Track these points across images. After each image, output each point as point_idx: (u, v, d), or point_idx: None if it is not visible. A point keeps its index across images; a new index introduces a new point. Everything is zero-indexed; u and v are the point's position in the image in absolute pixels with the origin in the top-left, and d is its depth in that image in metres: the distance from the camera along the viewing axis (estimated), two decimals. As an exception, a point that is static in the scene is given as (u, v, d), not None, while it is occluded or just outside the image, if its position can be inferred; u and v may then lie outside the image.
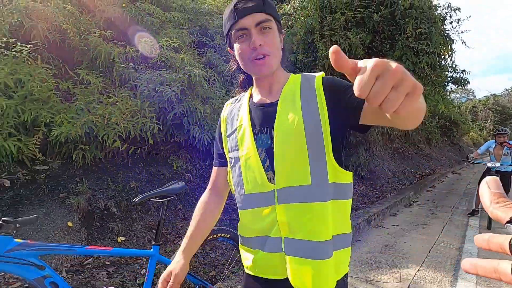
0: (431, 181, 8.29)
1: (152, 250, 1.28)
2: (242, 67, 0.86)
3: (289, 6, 8.08)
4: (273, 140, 0.81)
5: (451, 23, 5.76)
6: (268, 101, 0.86)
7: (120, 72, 3.48)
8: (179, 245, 0.97)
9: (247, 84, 0.97)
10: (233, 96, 1.02)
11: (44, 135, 2.78)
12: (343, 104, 0.77)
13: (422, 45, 5.02)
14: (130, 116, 3.08)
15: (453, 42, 5.39)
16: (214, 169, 1.01)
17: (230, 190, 0.99)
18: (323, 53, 5.18)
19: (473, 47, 6.14)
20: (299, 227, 0.79)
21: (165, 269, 0.93)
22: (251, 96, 0.93)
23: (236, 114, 0.92)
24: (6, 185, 2.63)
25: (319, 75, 0.86)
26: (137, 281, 2.23)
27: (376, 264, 2.86)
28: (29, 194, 2.64)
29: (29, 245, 0.95)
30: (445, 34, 5.28)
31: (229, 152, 0.92)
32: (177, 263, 0.90)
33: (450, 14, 5.71)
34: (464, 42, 5.79)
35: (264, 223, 0.84)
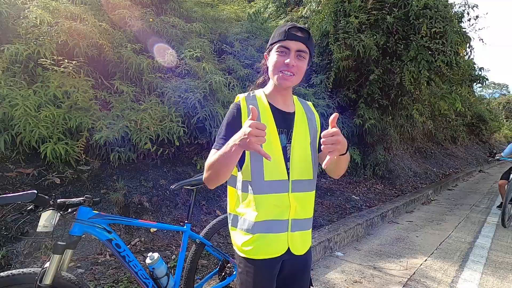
0: (454, 180, 8.15)
1: (185, 227, 1.62)
2: (270, 72, 1.07)
3: (305, 9, 8.29)
4: (289, 141, 1.07)
5: (468, 20, 5.74)
6: (286, 110, 1.10)
7: (149, 81, 3.86)
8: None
9: (262, 86, 1.17)
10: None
11: (87, 139, 3.20)
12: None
13: (437, 44, 5.06)
14: (159, 121, 3.44)
15: (470, 40, 5.36)
16: None
17: (237, 178, 1.09)
18: (337, 56, 5.35)
19: (490, 44, 6.02)
20: (302, 209, 1.09)
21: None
22: (266, 98, 1.11)
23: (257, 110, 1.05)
24: (57, 182, 3.06)
25: (310, 103, 1.24)
26: (169, 264, 2.56)
27: (385, 255, 3.03)
28: (75, 190, 3.06)
29: (102, 215, 1.33)
30: (462, 32, 5.27)
31: None
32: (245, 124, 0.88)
33: (468, 12, 5.69)
34: (482, 39, 5.73)
35: (279, 207, 1.04)
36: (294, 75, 1.03)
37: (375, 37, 5.33)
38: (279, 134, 1.06)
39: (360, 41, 5.22)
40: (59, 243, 1.25)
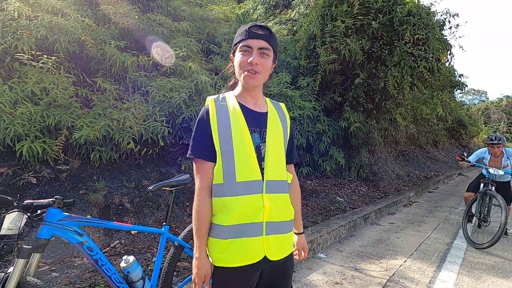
0: (435, 183, 8.38)
1: (163, 229, 1.57)
2: (236, 73, 1.07)
3: (294, 12, 8.36)
4: (263, 141, 1.05)
5: (450, 28, 5.93)
6: (258, 110, 1.08)
7: (133, 80, 3.79)
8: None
9: (233, 88, 1.16)
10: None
11: (66, 138, 3.10)
12: (287, 147, 1.16)
13: (420, 50, 5.20)
14: (143, 120, 3.37)
15: (451, 47, 5.54)
16: (207, 163, 1.02)
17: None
18: (324, 59, 5.41)
19: (469, 52, 6.25)
20: (277, 211, 1.05)
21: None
22: (235, 99, 1.09)
23: (226, 110, 1.04)
24: (33, 182, 2.95)
25: (283, 104, 1.22)
26: (149, 267, 2.51)
27: (367, 256, 3.08)
28: (53, 190, 2.95)
29: (73, 217, 1.27)
30: (443, 40, 5.44)
31: (220, 145, 1.01)
32: (206, 266, 1.00)
33: (449, 20, 5.88)
34: (462, 47, 5.94)
35: (252, 209, 1.00)
36: (259, 73, 1.02)
37: (360, 41, 5.43)
38: (251, 133, 1.04)
39: (346, 45, 5.31)
40: (24, 246, 1.19)
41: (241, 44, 1.03)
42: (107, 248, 2.72)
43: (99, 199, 2.98)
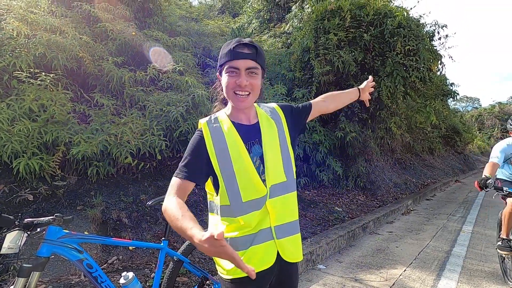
0: (432, 190, 8.42)
1: (162, 244, 1.58)
2: (224, 94, 1.04)
3: (288, 25, 8.56)
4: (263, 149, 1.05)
5: (439, 39, 6.10)
6: (250, 123, 1.08)
7: (130, 95, 3.82)
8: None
9: (225, 102, 1.12)
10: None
11: (63, 154, 3.10)
12: (295, 113, 1.20)
13: (411, 61, 5.33)
14: (140, 134, 3.39)
15: (441, 57, 5.69)
16: (190, 184, 0.98)
17: (215, 203, 1.06)
18: (318, 71, 5.52)
19: (459, 62, 6.42)
20: (284, 213, 1.06)
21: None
22: (228, 118, 1.07)
23: (221, 133, 1.03)
24: (30, 199, 2.93)
25: (275, 105, 1.20)
26: (147, 283, 2.48)
27: (366, 266, 3.07)
28: (49, 207, 2.94)
29: (73, 234, 1.27)
30: (433, 50, 5.59)
31: (220, 169, 1.00)
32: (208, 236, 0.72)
33: (438, 31, 6.05)
34: (451, 57, 6.10)
35: (258, 219, 1.01)
36: (249, 93, 1.00)
37: (353, 53, 5.56)
38: (252, 145, 1.04)
39: (340, 57, 5.43)
40: (24, 265, 1.18)
41: (227, 66, 0.99)
42: (105, 265, 2.69)
43: (96, 214, 2.96)
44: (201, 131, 1.04)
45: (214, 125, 1.05)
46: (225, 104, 1.12)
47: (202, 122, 1.06)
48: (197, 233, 0.73)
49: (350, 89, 1.45)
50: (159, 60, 4.10)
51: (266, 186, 1.02)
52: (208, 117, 1.09)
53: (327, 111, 1.37)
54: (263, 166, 1.03)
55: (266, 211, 1.02)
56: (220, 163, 1.00)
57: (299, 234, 1.12)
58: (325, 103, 1.33)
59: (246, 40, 1.00)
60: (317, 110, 1.29)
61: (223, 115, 1.08)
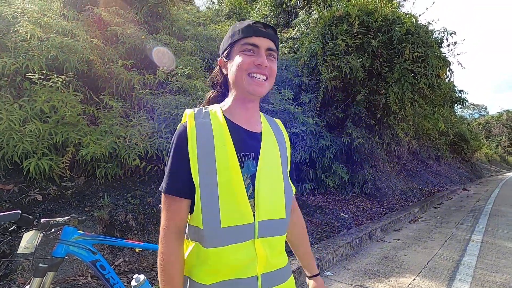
0: (439, 198, 8.31)
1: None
2: (232, 80, 0.82)
3: (295, 30, 8.60)
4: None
5: (448, 45, 6.08)
6: (251, 129, 0.85)
7: (139, 97, 3.86)
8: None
9: (215, 102, 0.91)
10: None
11: (72, 155, 3.13)
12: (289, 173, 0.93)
13: (420, 67, 5.31)
14: (148, 137, 3.41)
15: (450, 64, 5.66)
16: (182, 201, 0.78)
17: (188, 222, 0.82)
18: (325, 76, 5.52)
19: (468, 68, 6.39)
20: (275, 259, 0.82)
21: None
22: (223, 115, 0.84)
23: (209, 131, 0.79)
24: (39, 199, 2.95)
25: (279, 121, 0.99)
26: (154, 286, 2.47)
27: (375, 274, 3.02)
28: (58, 207, 2.95)
29: (87, 235, 1.28)
30: (441, 57, 5.57)
31: (200, 177, 0.76)
32: None
33: (447, 38, 6.03)
34: (460, 64, 6.07)
35: (241, 261, 0.76)
36: (267, 79, 0.81)
37: (361, 59, 5.55)
38: (245, 159, 0.79)
39: (347, 62, 5.43)
40: (40, 265, 1.19)
41: (243, 42, 0.80)
42: (112, 267, 2.69)
43: (104, 216, 2.97)
44: (185, 125, 0.80)
45: (203, 119, 0.81)
46: (221, 100, 0.90)
47: (188, 113, 0.82)
48: None
49: (312, 262, 1.02)
50: (164, 61, 4.14)
51: (254, 218, 0.77)
52: (198, 107, 0.86)
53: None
54: (253, 189, 0.78)
55: (253, 252, 0.77)
56: (201, 170, 0.76)
57: (291, 279, 0.88)
58: (291, 223, 0.97)
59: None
60: None
61: (217, 109, 0.84)
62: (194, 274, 0.78)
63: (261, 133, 0.86)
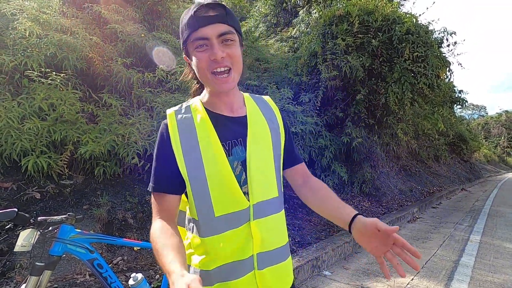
0: (438, 198, 8.32)
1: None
2: (199, 78, 0.80)
3: (295, 29, 8.59)
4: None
5: (448, 45, 6.07)
6: (233, 114, 0.84)
7: (138, 95, 3.85)
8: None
9: (200, 93, 0.90)
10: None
11: (71, 153, 3.12)
12: (287, 138, 0.93)
13: (420, 67, 5.30)
14: (147, 135, 3.40)
15: (450, 64, 5.66)
16: (171, 197, 0.79)
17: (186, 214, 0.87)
18: (325, 76, 5.51)
19: (468, 69, 6.39)
20: (271, 238, 0.82)
21: None
22: (205, 107, 0.84)
23: (191, 126, 0.80)
24: (37, 197, 2.95)
25: (268, 97, 0.96)
26: (151, 285, 2.46)
27: (373, 274, 3.02)
28: (56, 206, 2.95)
29: (85, 234, 1.28)
30: (441, 57, 5.56)
31: (188, 171, 0.78)
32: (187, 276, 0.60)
33: (447, 38, 6.03)
34: (460, 64, 6.07)
35: (237, 244, 0.78)
36: (230, 69, 0.76)
37: (361, 59, 5.54)
38: (232, 147, 0.80)
39: (347, 62, 5.42)
40: (37, 263, 1.18)
41: (192, 38, 0.75)
42: (110, 265, 2.68)
43: (102, 214, 2.97)
44: (166, 123, 0.81)
45: (184, 115, 0.81)
46: (200, 93, 0.89)
47: (169, 112, 0.83)
48: (176, 271, 0.58)
49: (347, 208, 0.88)
50: (164, 60, 4.13)
51: (249, 201, 0.79)
52: (179, 105, 0.86)
53: (301, 195, 0.97)
54: (245, 175, 0.79)
55: (249, 234, 0.79)
56: (188, 164, 0.77)
57: (289, 259, 0.89)
58: (311, 191, 0.94)
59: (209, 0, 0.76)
60: (292, 177, 0.97)
61: (197, 102, 0.85)
62: (195, 261, 0.81)
63: (246, 116, 0.85)
